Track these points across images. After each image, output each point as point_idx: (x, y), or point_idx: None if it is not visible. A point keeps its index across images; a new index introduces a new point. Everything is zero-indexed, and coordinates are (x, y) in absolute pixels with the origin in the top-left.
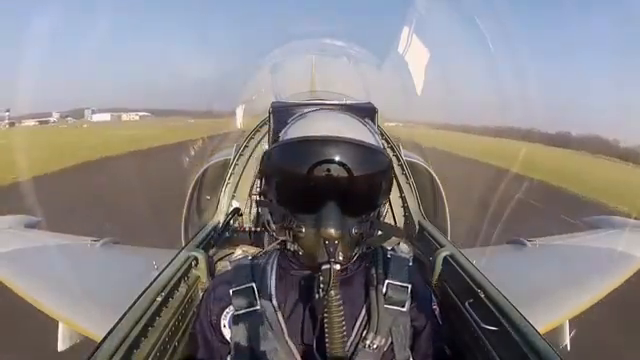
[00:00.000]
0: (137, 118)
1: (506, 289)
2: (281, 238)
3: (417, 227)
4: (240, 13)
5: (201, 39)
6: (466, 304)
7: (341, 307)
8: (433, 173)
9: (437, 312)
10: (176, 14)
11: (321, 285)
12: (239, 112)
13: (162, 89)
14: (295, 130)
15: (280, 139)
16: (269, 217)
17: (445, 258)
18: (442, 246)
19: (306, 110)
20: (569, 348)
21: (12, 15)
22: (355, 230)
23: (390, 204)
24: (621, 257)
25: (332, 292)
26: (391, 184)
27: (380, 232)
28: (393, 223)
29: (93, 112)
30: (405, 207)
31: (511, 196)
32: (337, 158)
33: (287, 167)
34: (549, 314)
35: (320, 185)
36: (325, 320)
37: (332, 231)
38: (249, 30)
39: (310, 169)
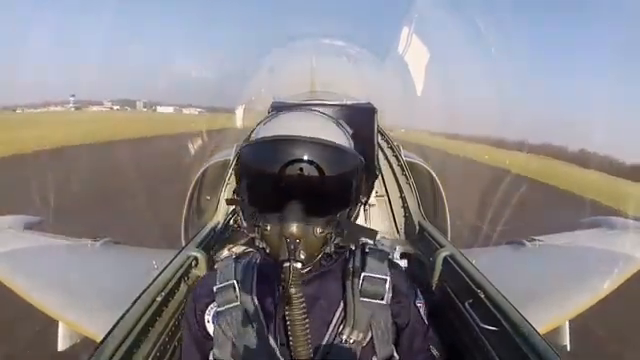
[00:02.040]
0: (196, 113)
1: (506, 289)
2: (251, 235)
3: (417, 227)
4: (240, 13)
5: (201, 39)
6: (466, 304)
7: (303, 304)
8: (433, 173)
9: (422, 310)
10: (176, 14)
11: (282, 283)
12: (239, 112)
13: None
14: (266, 130)
15: (251, 138)
16: (241, 215)
17: (445, 258)
18: (442, 246)
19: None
20: (569, 348)
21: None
22: (319, 230)
23: (390, 204)
24: (621, 257)
25: (292, 290)
26: (361, 185)
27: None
28: (393, 223)
29: (145, 105)
30: (405, 207)
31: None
32: (305, 157)
33: (256, 166)
34: (549, 314)
35: (288, 185)
36: (287, 317)
37: (293, 230)
38: (249, 30)
39: (281, 168)
